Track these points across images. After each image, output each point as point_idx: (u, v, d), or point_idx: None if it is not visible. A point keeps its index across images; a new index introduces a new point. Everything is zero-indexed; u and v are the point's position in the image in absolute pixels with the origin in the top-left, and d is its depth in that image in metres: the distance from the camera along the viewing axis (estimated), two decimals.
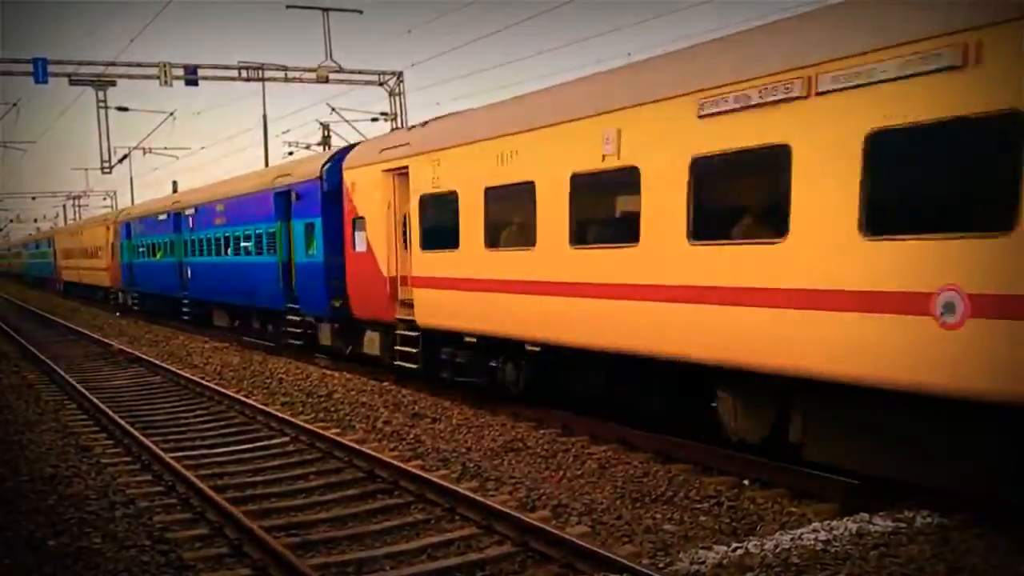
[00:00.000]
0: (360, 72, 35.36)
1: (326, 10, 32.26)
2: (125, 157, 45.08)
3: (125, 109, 38.11)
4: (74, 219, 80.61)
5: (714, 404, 9.47)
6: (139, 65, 32.42)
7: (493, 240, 12.26)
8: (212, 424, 13.11)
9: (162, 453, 10.48)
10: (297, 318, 19.73)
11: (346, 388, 15.46)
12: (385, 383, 15.89)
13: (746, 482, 9.03)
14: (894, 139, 7.05)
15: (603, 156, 10.03)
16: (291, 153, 40.58)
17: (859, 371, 7.37)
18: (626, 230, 9.84)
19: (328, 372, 17.59)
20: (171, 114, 40.66)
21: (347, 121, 37.25)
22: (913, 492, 7.74)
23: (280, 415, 12.75)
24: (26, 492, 9.21)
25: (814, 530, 7.10)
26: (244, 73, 34.06)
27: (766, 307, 8.16)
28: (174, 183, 49.71)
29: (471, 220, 12.55)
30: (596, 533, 7.65)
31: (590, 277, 10.38)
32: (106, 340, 24.49)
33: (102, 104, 34.26)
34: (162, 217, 30.23)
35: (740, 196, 9.01)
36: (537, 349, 11.71)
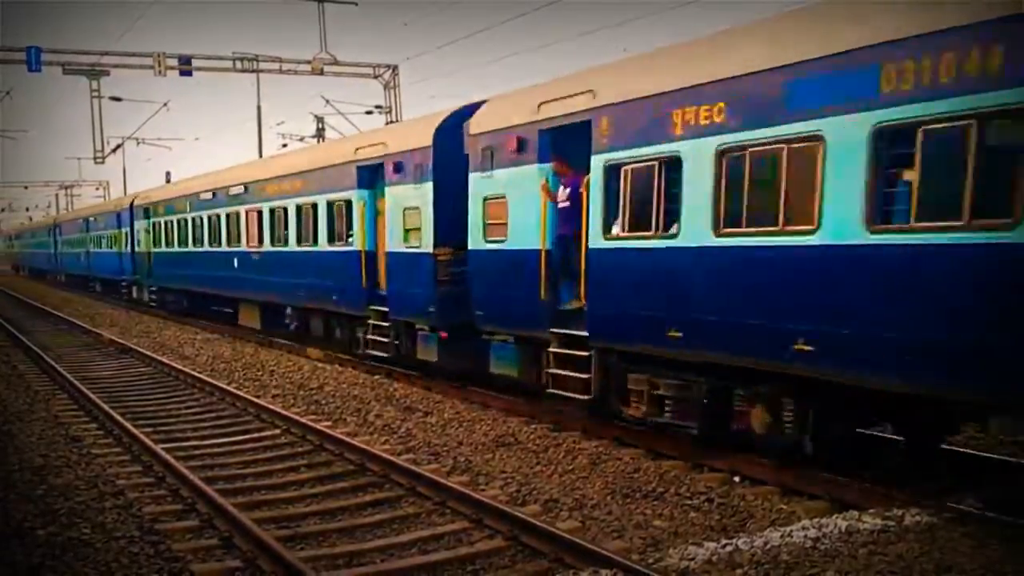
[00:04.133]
0: (355, 65, 35.31)
1: (321, 1, 32.21)
2: (118, 147, 45.00)
3: (119, 99, 37.97)
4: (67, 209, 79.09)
5: None
6: (133, 55, 32.32)
7: None
8: (203, 416, 13.08)
9: (152, 444, 10.46)
10: None
11: (338, 381, 15.44)
12: (377, 376, 15.88)
13: (737, 479, 9.05)
14: None
15: None
16: (285, 145, 40.48)
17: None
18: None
19: (320, 365, 17.58)
20: (165, 104, 40.56)
21: (342, 114, 37.18)
22: (902, 490, 7.78)
23: (271, 407, 12.73)
24: (16, 482, 9.19)
25: (804, 527, 7.13)
26: (239, 64, 33.98)
27: None
28: (167, 173, 49.56)
29: None
30: (586, 528, 7.66)
31: None
32: (96, 330, 24.42)
33: (96, 93, 34.12)
34: None
35: None
36: None
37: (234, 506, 8.02)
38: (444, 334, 13.77)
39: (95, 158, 36.81)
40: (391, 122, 33.46)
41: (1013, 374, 6.50)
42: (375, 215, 15.87)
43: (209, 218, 24.86)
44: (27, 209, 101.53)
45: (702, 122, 8.90)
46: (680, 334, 9.20)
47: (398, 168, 14.64)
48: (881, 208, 7.29)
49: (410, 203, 14.34)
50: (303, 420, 11.78)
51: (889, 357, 7.28)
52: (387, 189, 15.07)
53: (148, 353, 19.28)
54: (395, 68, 35.89)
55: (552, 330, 11.25)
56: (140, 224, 32.21)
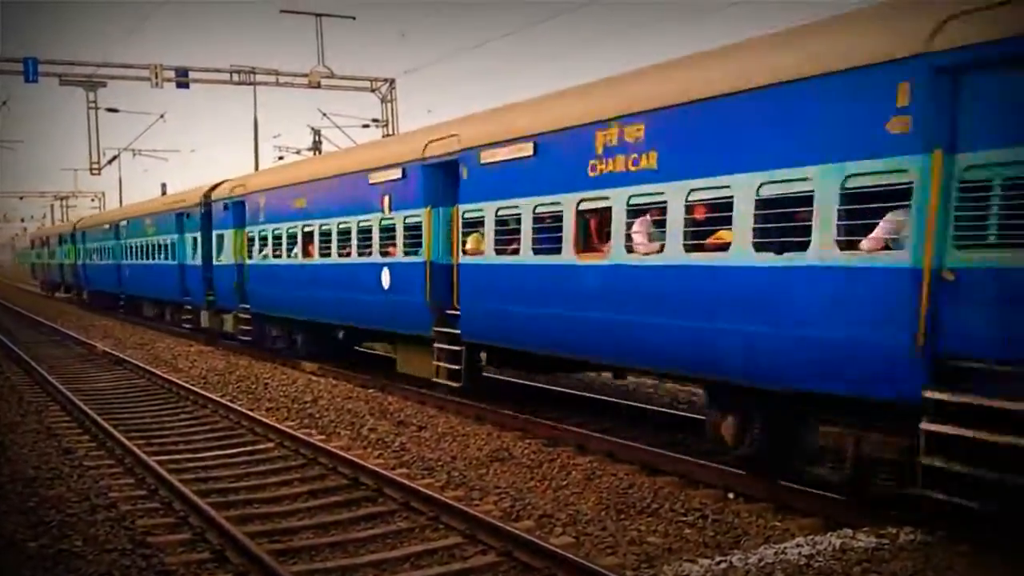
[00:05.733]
0: (352, 78, 35.43)
1: (319, 15, 32.40)
2: (115, 158, 45.05)
3: (115, 110, 38.02)
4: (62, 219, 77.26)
5: None
6: (130, 66, 32.40)
7: None
8: (196, 428, 13.04)
9: (145, 456, 10.42)
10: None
11: (332, 394, 15.41)
12: (371, 390, 15.85)
13: (731, 495, 9.04)
14: None
15: None
16: (281, 158, 40.55)
17: None
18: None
19: (314, 378, 17.54)
20: (161, 116, 40.64)
21: (338, 127, 37.28)
22: (897, 508, 7.78)
23: (265, 420, 12.70)
24: (7, 493, 9.14)
25: (798, 545, 7.12)
26: (236, 76, 34.07)
27: None
28: (163, 185, 49.59)
29: None
30: (580, 544, 7.64)
31: None
32: (90, 341, 24.34)
33: (92, 105, 34.18)
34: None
35: None
36: None
37: (226, 519, 7.99)
38: None
39: (91, 169, 36.85)
40: (388, 135, 33.52)
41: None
42: None
43: None
44: (22, 220, 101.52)
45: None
46: None
47: None
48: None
49: None
50: (296, 433, 11.75)
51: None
52: None
53: (142, 365, 19.22)
54: (392, 81, 36.01)
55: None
56: None
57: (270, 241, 20.03)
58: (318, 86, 33.95)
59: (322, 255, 17.63)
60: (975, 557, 6.78)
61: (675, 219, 9.20)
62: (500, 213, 12.19)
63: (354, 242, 16.20)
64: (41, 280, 60.34)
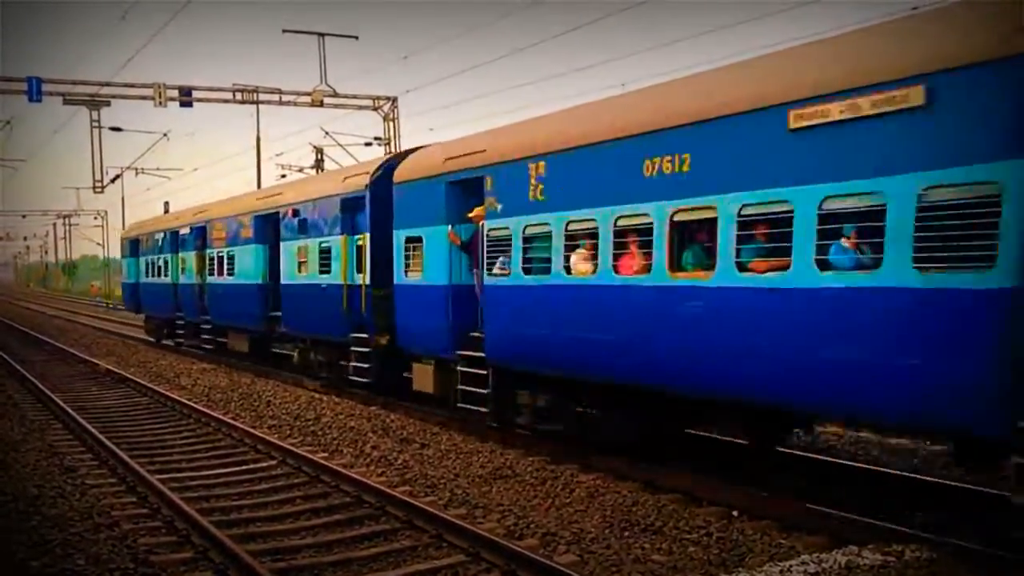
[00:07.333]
0: (354, 97, 35.56)
1: (322, 35, 32.55)
2: (117, 177, 45.12)
3: (119, 129, 38.11)
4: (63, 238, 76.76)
5: None
6: (133, 86, 32.50)
7: None
8: (198, 446, 13.02)
9: (148, 474, 10.39)
10: None
11: (334, 412, 15.38)
12: (373, 407, 15.82)
13: (735, 513, 9.00)
14: None
15: None
16: (284, 176, 40.65)
17: None
18: None
19: (317, 396, 17.51)
20: (165, 135, 40.76)
21: (341, 145, 37.39)
22: (903, 526, 7.75)
23: (267, 438, 12.67)
24: (9, 513, 9.11)
25: (803, 563, 7.07)
26: (239, 95, 34.19)
27: None
28: (166, 204, 49.66)
29: None
30: (584, 562, 7.60)
31: None
32: (93, 359, 24.33)
33: (96, 124, 34.26)
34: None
35: None
36: None
37: (229, 538, 7.96)
38: None
39: (94, 188, 36.85)
40: (389, 152, 33.58)
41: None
42: None
43: None
44: (24, 238, 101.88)
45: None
46: None
47: None
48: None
49: None
50: (299, 451, 11.72)
51: None
52: None
53: (144, 383, 19.21)
54: (394, 100, 36.14)
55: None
56: None
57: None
58: (321, 104, 34.06)
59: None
60: (982, 574, 6.75)
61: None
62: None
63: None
64: (150, 315, 33.04)
